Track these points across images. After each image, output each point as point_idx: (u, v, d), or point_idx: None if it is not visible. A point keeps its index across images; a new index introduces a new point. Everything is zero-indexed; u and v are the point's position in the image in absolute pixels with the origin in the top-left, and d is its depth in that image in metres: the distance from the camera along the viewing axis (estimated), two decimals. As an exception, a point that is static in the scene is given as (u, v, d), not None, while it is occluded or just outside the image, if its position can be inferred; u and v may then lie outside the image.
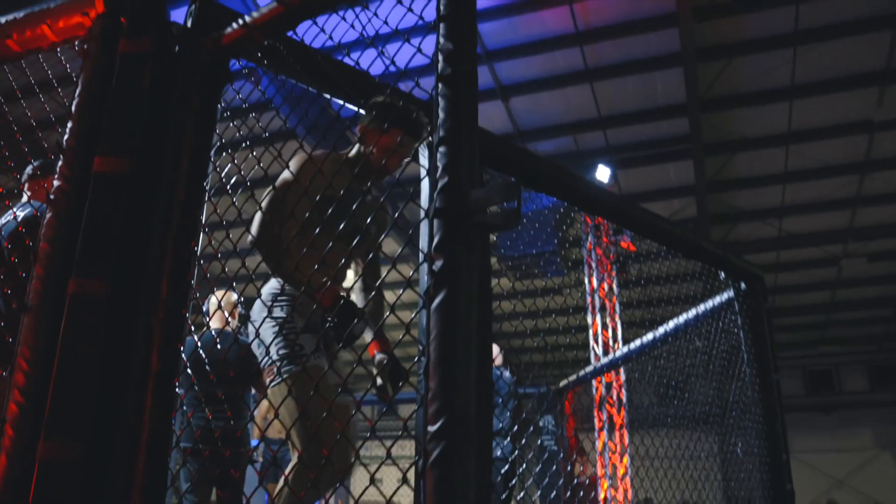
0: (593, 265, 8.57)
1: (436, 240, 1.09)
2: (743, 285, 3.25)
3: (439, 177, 1.11)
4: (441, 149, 1.14)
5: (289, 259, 2.16)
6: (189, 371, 1.45)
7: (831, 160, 9.66)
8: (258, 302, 2.37)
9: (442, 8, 1.25)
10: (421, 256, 1.54)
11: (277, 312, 2.33)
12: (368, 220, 2.45)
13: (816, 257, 11.77)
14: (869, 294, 13.20)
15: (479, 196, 1.08)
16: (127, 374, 1.08)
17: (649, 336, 4.23)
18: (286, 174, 2.32)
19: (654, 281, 4.43)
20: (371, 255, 2.59)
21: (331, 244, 1.88)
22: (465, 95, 1.18)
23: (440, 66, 1.20)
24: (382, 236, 2.50)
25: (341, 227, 1.95)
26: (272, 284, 2.39)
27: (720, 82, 8.54)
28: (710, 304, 3.50)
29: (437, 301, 1.05)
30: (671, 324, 3.86)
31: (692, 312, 3.67)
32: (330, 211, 1.93)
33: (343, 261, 2.35)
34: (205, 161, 1.57)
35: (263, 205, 2.23)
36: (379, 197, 2.73)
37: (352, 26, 1.52)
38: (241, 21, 1.61)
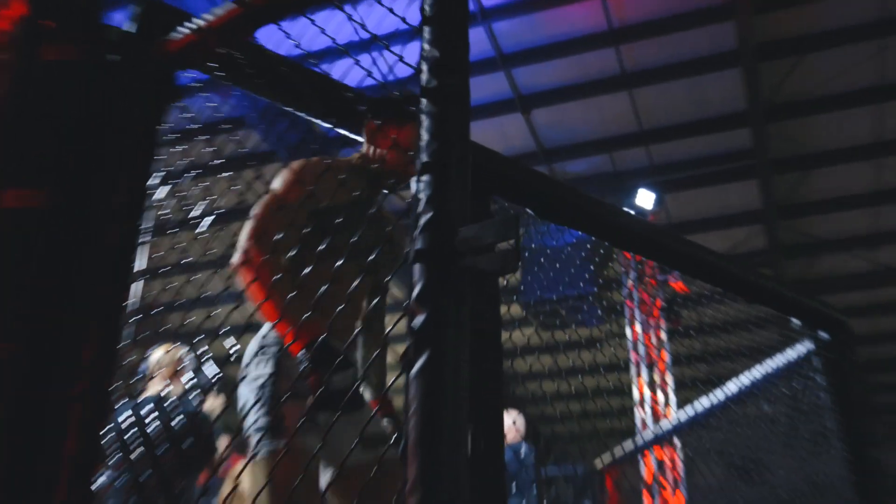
0: (636, 311, 8.50)
1: (416, 289, 1.08)
2: (824, 335, 3.21)
3: (422, 211, 1.12)
4: (425, 177, 1.14)
5: (274, 293, 2.05)
6: (119, 452, 1.44)
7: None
8: (247, 351, 2.27)
9: (427, 8, 1.26)
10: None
11: (262, 367, 2.19)
12: (375, 243, 2.34)
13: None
14: None
15: (470, 234, 1.08)
16: (36, 461, 1.08)
17: (709, 400, 4.18)
18: (275, 185, 2.24)
19: (713, 330, 4.39)
20: (375, 289, 2.47)
21: (316, 267, 1.84)
22: (455, 112, 1.19)
23: (424, 77, 1.21)
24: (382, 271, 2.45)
25: (340, 249, 1.89)
26: (264, 329, 2.29)
27: (789, 84, 8.58)
28: (782, 358, 3.46)
29: (417, 366, 1.04)
30: (734, 385, 3.82)
31: (761, 370, 3.63)
32: (326, 229, 1.91)
33: (334, 292, 2.24)
34: (143, 195, 1.58)
35: (248, 225, 2.12)
36: (391, 215, 2.58)
37: (323, 31, 1.53)
38: (192, 25, 1.63)
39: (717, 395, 3.77)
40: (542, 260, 8.95)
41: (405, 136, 2.24)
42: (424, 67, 1.22)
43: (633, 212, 8.97)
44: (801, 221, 10.41)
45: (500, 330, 1.78)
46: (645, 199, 9.14)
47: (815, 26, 8.18)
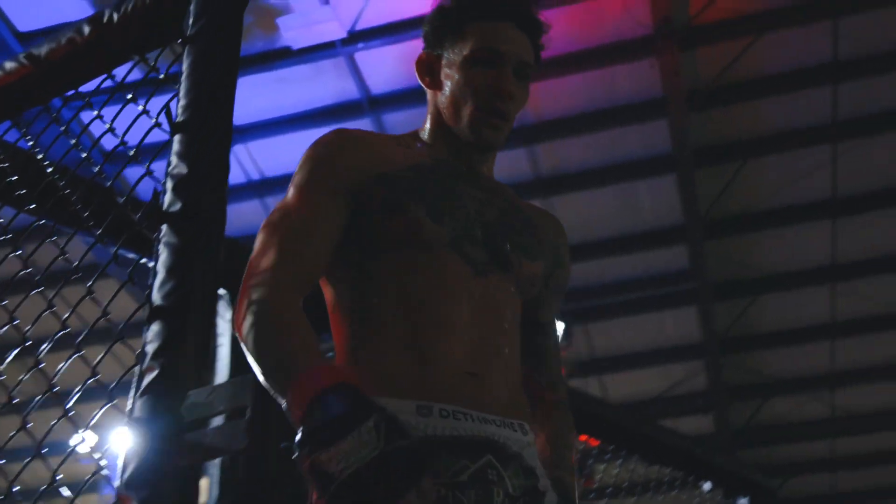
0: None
1: (128, 472, 1.04)
2: (744, 501, 3.27)
3: (145, 369, 1.08)
4: (154, 327, 1.11)
5: (349, 335, 1.61)
6: None
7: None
8: None
9: (180, 111, 1.25)
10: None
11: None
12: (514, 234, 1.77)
13: (889, 447, 11.93)
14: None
15: (199, 400, 1.04)
16: None
17: None
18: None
19: (636, 490, 4.40)
20: (542, 315, 1.88)
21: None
22: (202, 243, 1.16)
23: (167, 198, 1.19)
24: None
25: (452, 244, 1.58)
26: None
27: (731, 194, 8.88)
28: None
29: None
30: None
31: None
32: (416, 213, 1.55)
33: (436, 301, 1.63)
34: None
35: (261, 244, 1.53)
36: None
37: (65, 132, 1.52)
38: None
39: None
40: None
41: (474, 36, 1.74)
42: (168, 185, 1.20)
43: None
44: (748, 357, 10.64)
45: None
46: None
47: (759, 128, 8.56)
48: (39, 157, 1.45)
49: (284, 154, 8.44)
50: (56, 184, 1.41)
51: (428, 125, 1.80)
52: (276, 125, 8.51)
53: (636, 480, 4.40)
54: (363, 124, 8.42)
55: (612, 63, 8.01)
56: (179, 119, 1.27)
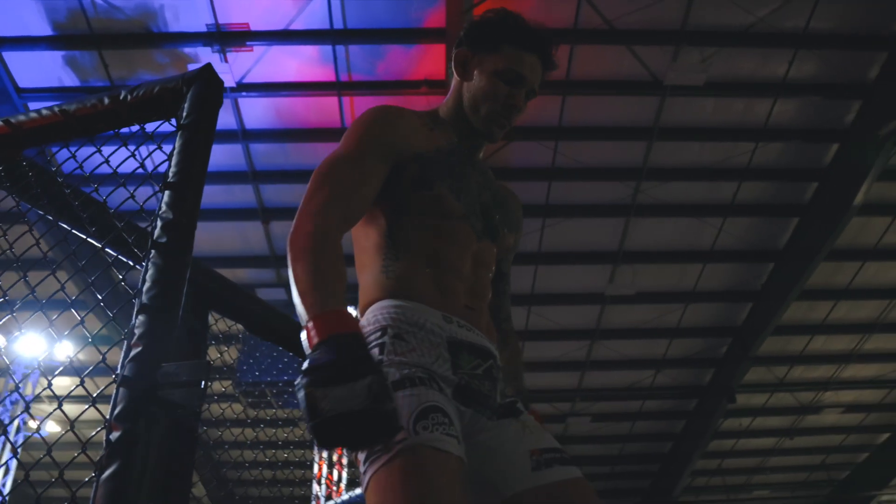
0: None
1: (118, 409, 1.11)
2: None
3: (133, 344, 1.15)
4: (140, 317, 1.18)
5: (381, 266, 1.51)
6: None
7: (568, 325, 10.82)
8: None
9: (170, 174, 1.32)
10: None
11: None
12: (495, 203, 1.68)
13: (546, 413, 12.82)
14: (591, 451, 14.51)
15: (170, 371, 1.13)
16: None
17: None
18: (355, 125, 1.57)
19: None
20: (503, 266, 1.80)
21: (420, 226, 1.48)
22: (177, 265, 1.24)
23: (156, 232, 1.26)
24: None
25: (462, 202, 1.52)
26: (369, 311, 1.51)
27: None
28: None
29: (107, 473, 1.06)
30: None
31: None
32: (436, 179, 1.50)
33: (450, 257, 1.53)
34: None
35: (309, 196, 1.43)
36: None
37: (79, 165, 1.54)
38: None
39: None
40: (262, 348, 8.82)
41: (506, 62, 1.60)
42: (158, 223, 1.27)
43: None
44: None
45: (193, 448, 1.70)
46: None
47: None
48: (59, 179, 1.46)
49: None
50: (70, 201, 1.43)
51: (450, 104, 1.67)
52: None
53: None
54: (236, 148, 8.29)
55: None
56: (170, 180, 1.33)
